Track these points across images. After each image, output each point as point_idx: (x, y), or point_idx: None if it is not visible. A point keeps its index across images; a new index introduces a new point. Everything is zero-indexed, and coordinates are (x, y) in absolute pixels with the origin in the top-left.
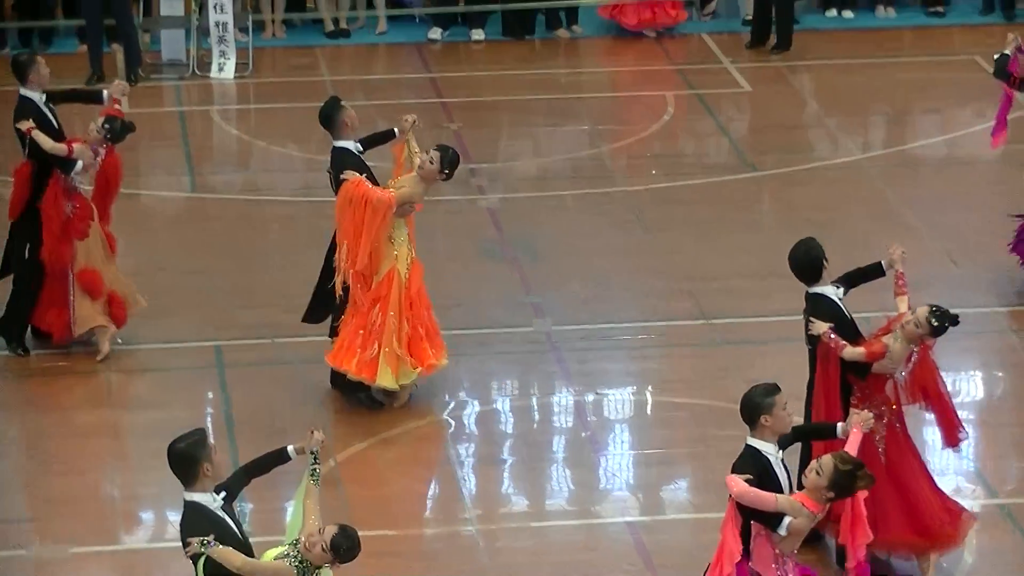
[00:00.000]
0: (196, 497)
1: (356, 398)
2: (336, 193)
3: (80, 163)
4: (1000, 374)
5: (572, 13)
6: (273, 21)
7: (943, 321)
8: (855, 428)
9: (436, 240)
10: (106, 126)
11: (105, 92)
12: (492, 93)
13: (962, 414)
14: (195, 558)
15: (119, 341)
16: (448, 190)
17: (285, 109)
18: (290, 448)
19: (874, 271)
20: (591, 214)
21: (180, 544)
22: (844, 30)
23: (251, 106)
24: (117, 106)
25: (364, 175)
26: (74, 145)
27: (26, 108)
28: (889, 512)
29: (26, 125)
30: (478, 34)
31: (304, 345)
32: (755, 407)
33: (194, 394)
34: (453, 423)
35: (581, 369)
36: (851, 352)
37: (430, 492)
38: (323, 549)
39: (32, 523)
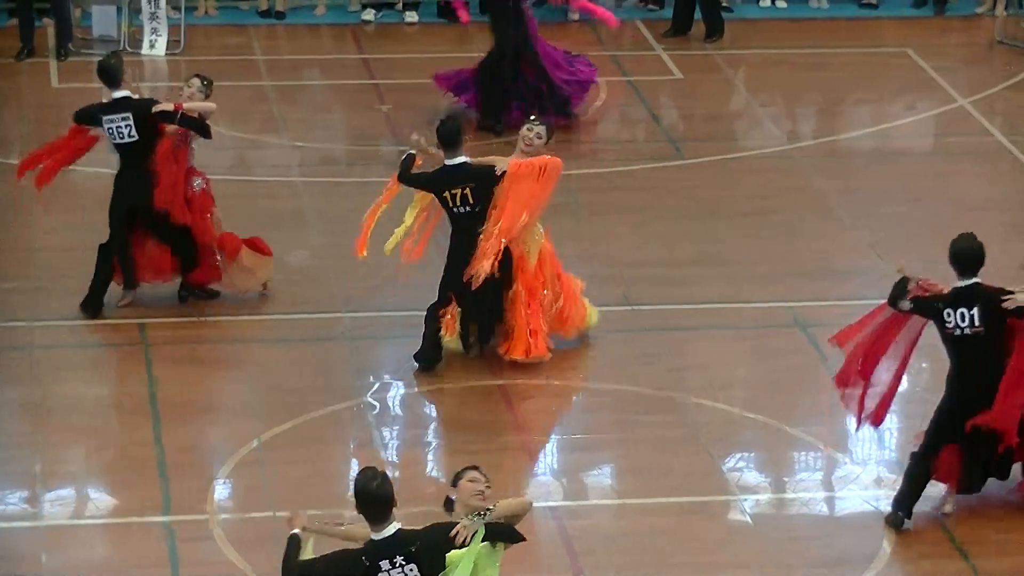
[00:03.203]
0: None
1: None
2: None
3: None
4: (924, 365)
5: None
6: None
7: None
8: None
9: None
10: (205, 82)
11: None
12: (425, 75)
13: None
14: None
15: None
16: (383, 172)
17: (217, 88)
18: (296, 532)
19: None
20: None
21: (99, 521)
22: (777, 20)
23: (182, 84)
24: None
25: None
26: None
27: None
28: None
29: (174, 103)
30: (412, 16)
31: (231, 324)
32: None
33: (118, 371)
34: (378, 405)
35: None
36: None
37: (352, 474)
38: (485, 480)
39: None
